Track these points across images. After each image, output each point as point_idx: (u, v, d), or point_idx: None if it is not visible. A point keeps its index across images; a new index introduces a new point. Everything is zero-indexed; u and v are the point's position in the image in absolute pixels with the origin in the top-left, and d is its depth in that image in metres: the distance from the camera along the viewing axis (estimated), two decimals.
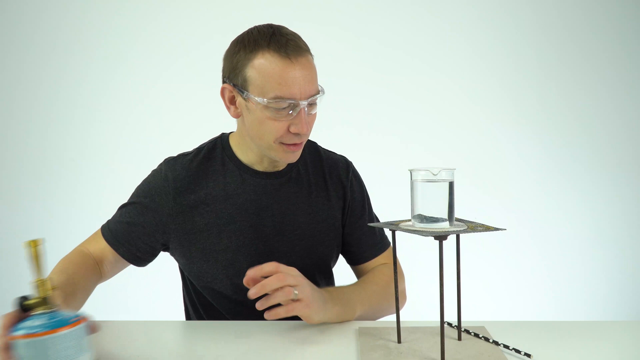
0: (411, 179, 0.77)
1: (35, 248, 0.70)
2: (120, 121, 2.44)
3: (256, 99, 0.92)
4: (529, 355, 0.79)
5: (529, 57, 2.40)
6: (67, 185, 2.46)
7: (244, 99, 0.94)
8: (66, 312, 0.70)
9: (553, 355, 0.80)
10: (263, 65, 0.91)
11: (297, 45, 0.92)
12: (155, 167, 1.09)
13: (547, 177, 2.43)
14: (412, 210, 0.78)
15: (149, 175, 1.08)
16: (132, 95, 2.44)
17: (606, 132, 2.41)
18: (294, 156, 1.00)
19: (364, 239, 1.15)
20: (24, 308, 0.68)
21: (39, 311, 0.68)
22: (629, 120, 2.40)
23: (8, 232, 2.47)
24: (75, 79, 2.43)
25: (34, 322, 0.66)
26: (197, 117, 2.29)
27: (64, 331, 0.66)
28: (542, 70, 2.40)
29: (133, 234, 1.04)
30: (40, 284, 0.69)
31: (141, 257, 1.06)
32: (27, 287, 0.71)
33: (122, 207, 1.07)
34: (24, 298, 0.69)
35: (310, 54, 0.96)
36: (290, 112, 0.93)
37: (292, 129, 0.94)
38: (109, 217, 1.10)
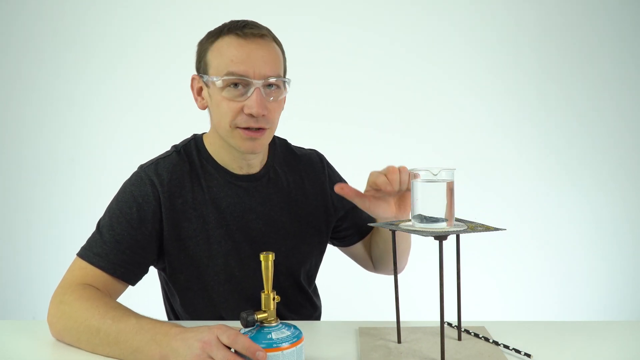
0: (411, 179, 0.77)
1: (269, 262, 0.71)
2: (118, 121, 2.44)
3: (212, 78, 0.94)
4: (529, 355, 0.79)
5: (530, 57, 2.40)
6: (66, 186, 2.46)
7: (205, 83, 0.96)
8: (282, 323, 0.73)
9: (553, 355, 0.80)
10: (220, 47, 0.94)
11: (256, 29, 0.94)
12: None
13: (547, 177, 2.43)
14: (412, 210, 0.78)
15: (127, 187, 0.99)
16: (130, 95, 2.44)
17: (607, 131, 2.41)
18: (253, 145, 0.96)
19: (363, 212, 1.13)
20: (250, 323, 0.69)
21: (273, 323, 0.71)
22: (630, 120, 2.40)
23: (8, 232, 2.47)
24: (72, 78, 2.44)
25: (278, 334, 0.69)
26: (194, 115, 2.28)
27: (302, 342, 0.71)
28: (542, 69, 2.40)
29: (127, 251, 0.95)
30: (268, 297, 0.71)
31: (138, 275, 0.98)
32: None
33: (103, 228, 0.96)
34: (250, 313, 0.70)
35: (275, 42, 0.97)
36: (245, 92, 0.92)
37: (245, 110, 0.92)
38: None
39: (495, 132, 2.43)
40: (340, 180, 1.19)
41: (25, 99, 2.45)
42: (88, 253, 0.94)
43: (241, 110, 0.93)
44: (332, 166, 1.20)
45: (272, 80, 0.94)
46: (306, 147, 1.20)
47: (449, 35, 2.40)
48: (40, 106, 2.45)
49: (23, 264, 2.44)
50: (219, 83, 0.93)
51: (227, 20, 0.99)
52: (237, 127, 0.94)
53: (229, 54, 0.92)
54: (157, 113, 2.42)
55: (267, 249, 1.02)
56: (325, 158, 1.19)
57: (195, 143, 1.06)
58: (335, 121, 2.33)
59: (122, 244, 0.95)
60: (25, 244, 2.45)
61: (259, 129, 0.95)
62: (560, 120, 2.41)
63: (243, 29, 0.92)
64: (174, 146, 1.07)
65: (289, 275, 1.09)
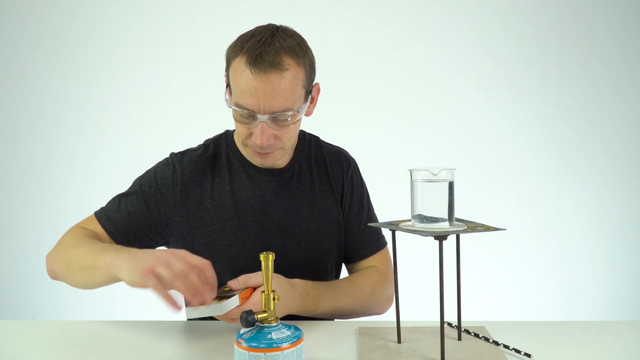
0: (411, 179, 0.77)
1: (269, 262, 0.71)
2: (123, 122, 2.44)
3: (227, 98, 0.97)
4: (529, 355, 0.79)
5: (531, 56, 2.40)
6: (65, 186, 2.46)
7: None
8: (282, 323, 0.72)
9: (553, 355, 0.80)
10: (235, 70, 0.93)
11: (271, 59, 0.90)
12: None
13: (547, 177, 2.43)
14: (412, 210, 0.77)
15: (153, 167, 1.08)
16: (132, 95, 2.44)
17: (609, 131, 2.40)
18: (263, 161, 1.02)
19: (360, 237, 1.15)
20: (250, 323, 0.69)
21: (273, 323, 0.71)
22: (633, 118, 2.40)
23: (7, 232, 2.47)
24: (72, 79, 2.44)
25: (278, 334, 0.69)
26: (197, 115, 2.29)
27: (303, 342, 0.70)
28: (543, 69, 2.40)
29: (134, 224, 1.03)
30: (268, 296, 0.71)
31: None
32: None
33: (122, 196, 1.05)
34: (250, 313, 0.69)
35: (296, 61, 0.93)
36: (253, 121, 0.94)
37: (252, 137, 0.96)
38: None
39: (496, 131, 2.43)
40: (360, 189, 1.17)
41: (24, 99, 2.45)
42: (101, 214, 1.04)
43: (250, 134, 0.97)
44: (359, 173, 1.19)
45: (278, 115, 0.93)
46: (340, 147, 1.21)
47: (449, 34, 2.40)
48: (39, 106, 2.45)
49: (23, 264, 2.44)
50: (230, 104, 0.96)
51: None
52: (248, 146, 1.00)
53: (240, 84, 0.91)
54: (158, 114, 2.42)
55: (284, 243, 1.06)
56: (354, 162, 1.19)
57: (225, 137, 1.12)
58: (334, 121, 2.33)
59: (133, 216, 1.02)
60: (24, 244, 2.46)
61: (267, 152, 0.99)
62: (562, 119, 2.41)
63: (256, 60, 0.89)
64: (206, 140, 1.13)
65: (309, 270, 1.08)
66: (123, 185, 1.10)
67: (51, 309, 2.41)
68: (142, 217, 1.03)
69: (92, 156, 2.44)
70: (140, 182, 1.06)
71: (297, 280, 0.96)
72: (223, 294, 0.84)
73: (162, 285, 0.75)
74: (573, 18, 2.38)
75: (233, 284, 0.86)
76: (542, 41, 2.39)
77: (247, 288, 0.85)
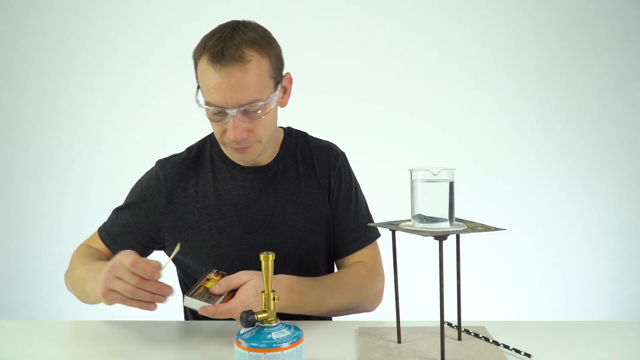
0: (411, 179, 0.77)
1: (269, 262, 0.71)
2: (119, 121, 2.44)
3: (197, 99, 0.97)
4: (529, 355, 0.79)
5: (532, 55, 2.40)
6: (65, 187, 2.46)
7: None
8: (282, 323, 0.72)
9: (553, 355, 0.80)
10: (201, 70, 0.94)
11: (232, 53, 0.90)
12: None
13: (547, 177, 2.43)
14: (412, 210, 0.77)
15: (142, 177, 1.12)
16: (131, 93, 2.44)
17: (611, 130, 2.40)
18: (243, 156, 1.01)
19: (347, 232, 1.12)
20: (250, 323, 0.69)
21: (273, 323, 0.71)
22: (634, 118, 2.40)
23: (7, 232, 2.47)
24: (80, 79, 2.44)
25: (278, 334, 0.69)
26: (197, 115, 2.28)
27: (303, 342, 0.70)
28: (544, 67, 2.40)
29: (129, 235, 1.07)
30: (268, 296, 0.71)
31: None
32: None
33: (118, 210, 1.11)
34: (250, 313, 0.69)
35: (259, 52, 0.92)
36: (225, 117, 0.94)
37: (227, 134, 0.96)
38: (105, 219, 1.13)
39: (496, 131, 2.43)
40: (349, 183, 1.15)
41: (22, 99, 2.45)
42: (102, 229, 1.11)
43: (225, 131, 0.97)
44: (348, 166, 1.17)
45: (247, 107, 0.92)
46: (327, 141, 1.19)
47: (450, 32, 2.40)
48: (38, 106, 2.45)
49: (22, 264, 2.44)
50: (201, 105, 0.96)
51: (225, 17, 0.99)
52: (225, 144, 1.00)
53: (206, 82, 0.92)
54: (158, 114, 2.42)
55: (270, 241, 1.06)
56: (343, 155, 1.17)
57: (210, 139, 1.13)
58: (334, 120, 2.33)
59: (127, 227, 1.08)
60: (24, 245, 2.45)
61: (244, 147, 0.98)
62: (563, 118, 2.41)
63: (217, 56, 0.90)
64: (191, 144, 1.15)
65: (298, 266, 1.07)
66: (121, 186, 1.12)
67: (51, 309, 2.41)
68: (135, 228, 1.07)
69: (91, 156, 2.44)
70: (131, 193, 1.11)
71: (280, 276, 0.93)
72: (208, 293, 0.85)
73: (124, 297, 0.79)
74: (574, 17, 2.38)
75: (215, 289, 0.85)
76: (542, 40, 2.39)
77: (230, 292, 0.85)
